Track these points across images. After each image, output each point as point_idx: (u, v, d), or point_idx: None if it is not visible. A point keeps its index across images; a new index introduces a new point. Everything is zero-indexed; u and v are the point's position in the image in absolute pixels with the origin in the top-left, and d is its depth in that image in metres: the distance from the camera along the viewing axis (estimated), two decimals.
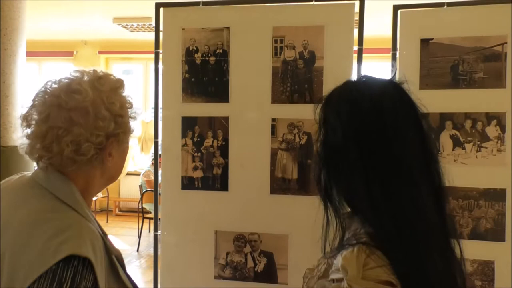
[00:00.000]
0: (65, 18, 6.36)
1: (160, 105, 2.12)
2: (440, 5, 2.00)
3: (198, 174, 2.08)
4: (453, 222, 0.81)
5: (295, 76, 1.99)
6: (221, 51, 2.05)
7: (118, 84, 1.01)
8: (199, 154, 2.07)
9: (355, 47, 1.96)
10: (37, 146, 0.92)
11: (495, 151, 1.92)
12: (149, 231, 6.53)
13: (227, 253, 2.06)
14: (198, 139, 2.07)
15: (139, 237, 5.92)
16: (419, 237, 0.74)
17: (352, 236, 0.79)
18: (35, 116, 0.94)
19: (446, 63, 1.98)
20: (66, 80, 0.96)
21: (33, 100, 0.95)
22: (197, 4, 2.07)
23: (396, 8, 2.02)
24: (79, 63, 7.78)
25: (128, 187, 7.54)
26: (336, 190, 0.86)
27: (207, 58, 2.06)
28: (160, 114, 2.15)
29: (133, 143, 7.76)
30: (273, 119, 2.01)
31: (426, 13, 2.03)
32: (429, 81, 1.98)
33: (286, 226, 2.01)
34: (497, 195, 1.91)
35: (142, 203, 5.89)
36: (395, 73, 1.99)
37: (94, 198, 6.85)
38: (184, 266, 2.09)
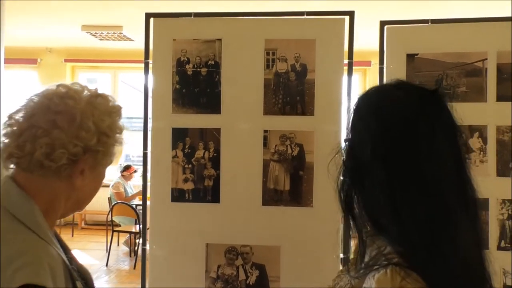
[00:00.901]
0: (29, 24, 6.17)
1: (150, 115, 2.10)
2: (425, 22, 2.10)
3: (189, 186, 2.06)
4: (485, 236, 0.76)
5: (287, 88, 2.02)
6: (213, 62, 2.06)
7: (114, 109, 0.96)
8: (190, 165, 2.06)
9: (346, 61, 2.02)
10: (11, 144, 0.86)
11: (478, 162, 2.02)
12: (118, 245, 6.35)
13: (219, 266, 2.05)
14: (189, 151, 2.06)
15: (108, 251, 5.75)
16: (455, 260, 0.72)
17: (379, 255, 0.74)
18: (20, 115, 0.88)
19: (431, 78, 2.07)
20: (65, 89, 0.92)
21: (25, 100, 0.91)
22: (188, 15, 2.08)
23: (382, 24, 2.11)
24: (43, 71, 7.54)
25: (95, 199, 7.27)
26: (359, 204, 0.82)
27: (198, 69, 2.06)
28: (149, 125, 2.12)
29: None
30: (265, 131, 2.03)
31: (411, 29, 2.13)
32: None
33: (278, 237, 2.03)
34: (481, 205, 1.99)
35: (111, 216, 5.74)
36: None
37: None
38: (173, 281, 2.06)
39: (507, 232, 1.99)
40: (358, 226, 0.81)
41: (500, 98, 2.02)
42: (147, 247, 2.13)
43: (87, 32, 6.32)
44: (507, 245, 1.98)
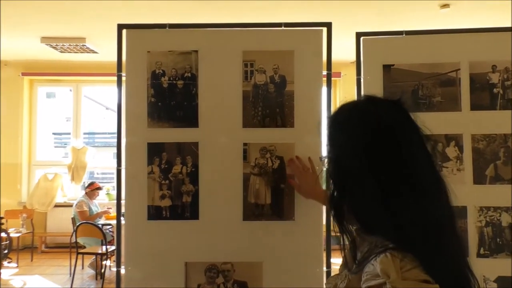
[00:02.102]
0: None
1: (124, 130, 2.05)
2: (399, 33, 2.17)
3: (166, 203, 2.02)
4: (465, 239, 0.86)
5: (266, 100, 2.03)
6: (189, 74, 2.05)
7: None
8: (167, 181, 2.03)
9: (324, 72, 2.05)
10: None
11: (455, 170, 2.09)
12: (83, 268, 6.13)
13: (199, 285, 2.01)
14: (166, 166, 2.03)
15: (72, 275, 5.54)
16: (444, 247, 0.81)
17: (372, 247, 0.81)
18: None
19: (407, 88, 2.14)
20: None
21: None
22: (163, 26, 2.06)
23: (358, 35, 2.16)
24: None
25: (56, 220, 7.06)
26: (348, 208, 0.88)
27: (174, 81, 2.04)
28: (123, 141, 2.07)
29: (62, 171, 7.32)
30: (245, 144, 2.03)
31: (386, 40, 2.20)
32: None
33: (260, 253, 2.02)
34: (459, 213, 2.06)
35: (75, 237, 5.54)
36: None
37: (16, 235, 6.32)
38: None
39: (486, 239, 2.05)
40: (348, 229, 0.86)
41: (474, 107, 2.10)
42: (122, 269, 2.07)
43: (47, 44, 6.16)
44: (486, 252, 2.04)
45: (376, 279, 0.75)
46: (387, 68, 2.14)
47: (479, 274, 2.01)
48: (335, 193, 0.92)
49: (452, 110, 2.12)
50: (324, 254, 2.07)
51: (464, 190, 2.08)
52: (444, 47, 2.15)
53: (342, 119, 0.92)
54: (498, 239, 2.04)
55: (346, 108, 0.95)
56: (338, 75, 6.62)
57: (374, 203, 0.81)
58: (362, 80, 2.15)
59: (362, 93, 2.15)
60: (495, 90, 2.10)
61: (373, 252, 0.78)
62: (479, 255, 2.05)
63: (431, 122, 2.06)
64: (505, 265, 2.02)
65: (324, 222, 2.08)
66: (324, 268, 2.04)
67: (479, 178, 2.08)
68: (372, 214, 0.82)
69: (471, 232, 2.05)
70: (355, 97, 2.15)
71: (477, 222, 2.06)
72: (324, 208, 2.08)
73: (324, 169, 0.96)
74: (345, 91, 6.61)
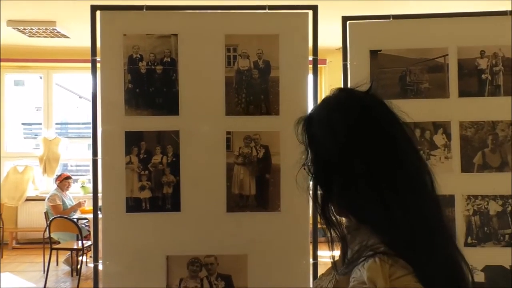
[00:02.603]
0: None
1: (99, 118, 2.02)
2: (386, 17, 2.17)
3: (146, 194, 2.00)
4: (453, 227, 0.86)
5: (250, 87, 2.02)
6: (169, 59, 2.01)
7: None
8: (147, 172, 2.00)
9: (310, 57, 2.05)
10: None
11: (443, 158, 2.12)
12: (57, 264, 6.05)
13: (181, 280, 2.00)
14: (145, 156, 2.00)
15: (46, 272, 5.46)
16: (436, 241, 0.79)
17: (363, 247, 0.79)
18: None
19: (395, 74, 2.15)
20: None
21: None
22: (140, 8, 2.02)
23: (344, 19, 2.16)
24: None
25: (28, 215, 6.93)
26: (338, 205, 0.87)
27: (153, 67, 2.01)
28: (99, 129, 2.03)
29: (34, 163, 7.18)
30: (228, 132, 2.01)
31: (373, 25, 2.20)
32: (379, 92, 2.11)
33: (245, 245, 2.01)
34: (447, 201, 2.10)
35: (49, 233, 5.45)
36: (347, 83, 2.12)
37: None
38: None
39: (473, 228, 2.09)
40: (338, 226, 0.85)
41: (462, 93, 2.13)
42: (99, 263, 2.04)
43: (14, 28, 5.98)
44: (473, 241, 2.08)
45: (362, 287, 0.73)
46: (374, 53, 2.15)
47: (467, 264, 2.05)
48: (322, 191, 0.91)
49: (440, 97, 2.14)
50: (311, 246, 2.08)
51: (452, 178, 2.11)
52: (432, 31, 2.16)
53: (322, 116, 0.91)
54: (485, 228, 2.09)
55: (324, 105, 0.93)
56: (324, 62, 6.62)
57: (367, 197, 0.80)
58: (348, 66, 2.15)
59: (349, 79, 2.15)
60: (483, 76, 2.13)
61: (363, 254, 0.76)
62: (466, 244, 2.09)
63: (419, 109, 2.12)
64: (493, 254, 2.07)
65: (310, 213, 2.08)
66: (311, 260, 2.05)
67: (467, 166, 2.11)
68: (366, 208, 0.81)
69: (458, 221, 2.09)
70: (341, 85, 2.16)
71: (465, 211, 2.10)
72: (310, 198, 2.08)
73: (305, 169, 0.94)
74: (330, 79, 6.62)
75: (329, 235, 0.87)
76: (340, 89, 0.96)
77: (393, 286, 0.70)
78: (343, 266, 0.84)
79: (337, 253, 0.92)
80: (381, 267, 0.71)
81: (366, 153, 0.82)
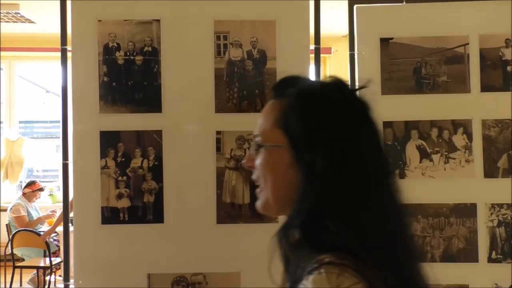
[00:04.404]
0: None
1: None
2: (399, 1, 2.20)
3: (124, 203, 2.01)
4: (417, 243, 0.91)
5: (243, 80, 2.03)
6: (150, 49, 2.02)
7: None
8: (125, 178, 2.01)
9: (312, 46, 2.06)
10: None
11: (463, 162, 2.14)
12: (21, 285, 6.03)
13: None
14: (123, 159, 2.01)
15: None
16: (396, 252, 0.83)
17: (306, 264, 0.79)
18: None
19: (408, 65, 2.17)
20: None
21: None
22: None
23: (351, 3, 2.18)
24: None
25: None
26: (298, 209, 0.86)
27: (132, 57, 2.02)
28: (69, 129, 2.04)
29: None
30: (218, 132, 2.02)
31: (384, 9, 2.22)
32: (392, 86, 2.15)
33: (238, 262, 2.02)
34: (468, 211, 2.12)
35: (11, 248, 5.44)
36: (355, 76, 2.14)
37: None
38: None
39: (498, 241, 2.11)
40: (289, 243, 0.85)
41: (484, 88, 2.15)
42: (71, 283, 2.05)
43: None
44: (498, 256, 2.10)
45: None
46: (384, 42, 2.17)
47: (491, 281, 2.07)
48: None
49: (459, 92, 2.16)
50: None
51: (473, 184, 2.13)
52: (451, 17, 2.18)
53: (291, 108, 0.88)
54: None
55: (291, 98, 0.90)
56: (328, 51, 6.65)
57: (327, 192, 0.81)
58: (356, 56, 2.17)
59: (356, 71, 2.17)
60: (508, 68, 2.15)
61: (306, 269, 0.77)
62: (490, 260, 2.11)
63: (436, 106, 2.14)
64: None
65: None
66: None
67: (490, 171, 2.13)
68: (321, 204, 0.81)
69: (481, 233, 2.11)
70: (348, 77, 2.18)
71: (488, 222, 2.12)
72: None
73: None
74: (336, 70, 6.64)
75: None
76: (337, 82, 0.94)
77: None
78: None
79: None
80: (327, 278, 0.73)
81: (331, 151, 0.82)
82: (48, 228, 5.75)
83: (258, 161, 0.87)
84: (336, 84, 0.90)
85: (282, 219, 2.01)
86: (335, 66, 6.79)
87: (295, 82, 0.90)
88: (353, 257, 0.75)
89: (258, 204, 0.90)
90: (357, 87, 0.91)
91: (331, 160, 0.79)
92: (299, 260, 0.80)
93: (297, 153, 0.82)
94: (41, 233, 5.44)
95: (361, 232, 0.79)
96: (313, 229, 0.80)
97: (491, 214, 2.12)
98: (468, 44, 2.16)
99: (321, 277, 0.73)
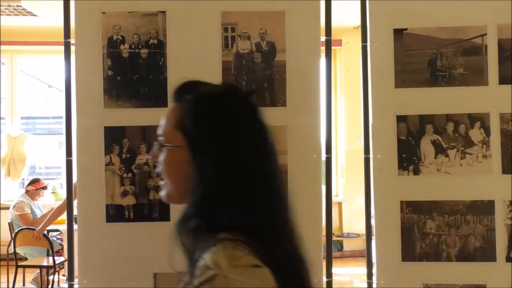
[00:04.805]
0: None
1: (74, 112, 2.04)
2: None
3: (129, 201, 2.02)
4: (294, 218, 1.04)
5: (251, 73, 2.03)
6: (155, 41, 2.03)
7: None
8: (130, 175, 2.02)
9: (323, 38, 2.06)
10: None
11: (480, 157, 2.13)
12: (24, 285, 6.09)
13: None
14: (128, 156, 2.02)
15: None
16: (277, 229, 0.97)
17: (205, 244, 0.91)
18: None
19: (423, 57, 2.16)
20: None
21: None
22: None
23: None
24: None
25: None
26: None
27: (137, 50, 2.02)
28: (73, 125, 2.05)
29: None
30: None
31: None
32: (406, 78, 2.14)
33: None
34: (485, 208, 2.11)
35: (14, 247, 5.48)
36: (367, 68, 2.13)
37: None
38: None
39: None
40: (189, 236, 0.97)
41: (503, 80, 2.13)
42: (75, 283, 2.06)
43: None
44: None
45: (207, 272, 0.85)
46: (398, 33, 2.15)
47: (509, 281, 2.06)
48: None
49: (476, 84, 2.14)
50: (324, 262, 2.09)
51: (491, 181, 2.12)
52: (468, 7, 2.16)
53: (184, 108, 1.00)
54: None
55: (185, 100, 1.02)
56: (339, 43, 6.63)
57: (215, 192, 0.93)
58: (368, 48, 2.16)
59: (369, 63, 2.16)
60: None
61: (205, 248, 0.88)
62: (508, 259, 2.10)
63: (452, 99, 2.13)
64: None
65: (323, 223, 2.09)
66: (324, 278, 2.06)
67: (508, 167, 2.11)
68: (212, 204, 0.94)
69: (499, 231, 2.10)
70: (360, 69, 2.17)
71: (507, 220, 2.10)
72: (324, 207, 2.09)
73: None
74: (347, 63, 6.62)
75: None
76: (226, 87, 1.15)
77: (237, 265, 0.85)
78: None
79: None
80: (224, 250, 0.86)
81: (218, 146, 0.95)
82: (49, 225, 5.79)
83: (160, 158, 0.99)
84: (229, 89, 1.05)
85: None
86: (346, 59, 6.76)
87: (194, 87, 1.03)
88: (245, 235, 0.89)
89: (162, 194, 1.02)
90: (248, 92, 1.06)
91: (221, 158, 0.93)
92: (198, 242, 0.92)
93: (193, 152, 0.94)
94: (44, 231, 5.46)
95: (249, 215, 0.93)
96: (208, 215, 0.93)
97: (510, 211, 2.10)
98: (485, 34, 2.14)
99: (217, 250, 0.86)
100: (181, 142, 0.95)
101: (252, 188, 0.94)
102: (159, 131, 1.01)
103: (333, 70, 6.84)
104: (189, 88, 1.03)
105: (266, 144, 0.99)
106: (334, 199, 6.34)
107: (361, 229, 2.08)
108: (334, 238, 6.03)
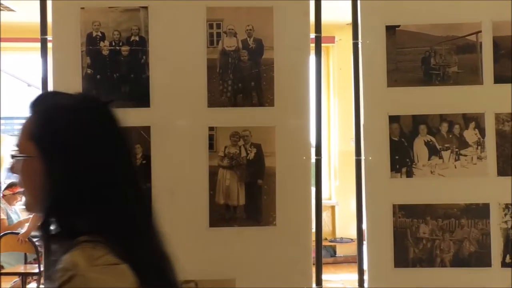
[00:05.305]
0: None
1: None
2: None
3: None
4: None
5: (238, 72, 2.02)
6: (137, 38, 2.02)
7: None
8: None
9: (312, 35, 2.06)
10: None
11: (475, 159, 2.14)
12: None
13: None
14: None
15: None
16: (134, 231, 1.03)
17: (66, 247, 0.96)
18: None
19: (416, 55, 2.17)
20: None
21: None
22: None
23: None
24: None
25: None
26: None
27: (117, 47, 2.01)
28: None
29: None
30: (211, 128, 2.02)
31: None
32: (398, 77, 2.15)
33: (232, 268, 2.02)
34: (480, 212, 2.12)
35: None
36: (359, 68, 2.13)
37: None
38: None
39: None
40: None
41: (498, 79, 2.15)
42: None
43: None
44: None
45: (66, 274, 0.89)
46: (391, 30, 2.16)
47: (505, 286, 2.07)
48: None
49: (471, 83, 2.16)
50: (314, 268, 2.09)
51: (486, 183, 2.13)
52: (462, 3, 2.18)
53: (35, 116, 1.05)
54: None
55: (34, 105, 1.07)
56: (332, 40, 6.64)
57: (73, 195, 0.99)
58: (359, 46, 2.16)
59: (360, 61, 2.17)
60: None
61: (66, 251, 0.93)
62: (504, 264, 2.11)
63: (446, 98, 2.14)
64: None
65: (313, 227, 2.09)
66: (314, 285, 2.06)
67: (504, 169, 2.13)
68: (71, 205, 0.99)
69: (494, 235, 2.11)
70: (351, 67, 2.18)
71: (502, 223, 2.12)
72: (313, 210, 2.10)
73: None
74: (340, 61, 6.62)
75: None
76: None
77: (96, 263, 0.90)
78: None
79: None
80: (82, 251, 0.91)
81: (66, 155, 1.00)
82: (34, 228, 5.74)
83: (17, 169, 1.04)
84: (82, 100, 1.08)
85: (279, 222, 2.02)
86: (339, 57, 6.78)
87: (48, 98, 1.12)
88: (104, 237, 0.94)
89: (23, 204, 1.08)
90: (105, 101, 1.07)
91: (69, 167, 0.98)
92: (60, 247, 0.96)
93: (44, 162, 0.99)
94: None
95: (105, 218, 0.98)
96: (64, 221, 0.98)
97: (505, 215, 2.12)
98: (480, 31, 2.16)
99: (75, 252, 0.91)
100: (33, 152, 1.00)
101: (106, 192, 1.00)
102: (16, 142, 1.06)
103: (325, 68, 6.87)
104: (44, 99, 1.11)
105: (119, 150, 1.05)
106: (327, 202, 6.36)
107: (355, 233, 2.10)
108: (327, 243, 6.05)
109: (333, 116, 6.91)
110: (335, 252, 6.80)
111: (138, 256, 0.97)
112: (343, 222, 6.77)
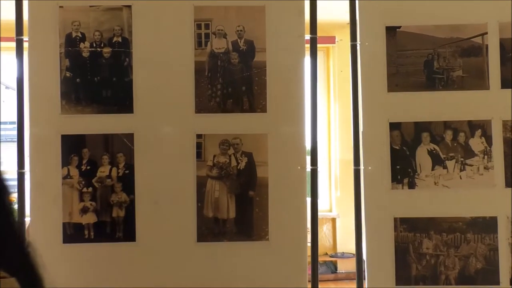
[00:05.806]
0: None
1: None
2: None
3: (89, 218, 2.00)
4: None
5: (228, 75, 2.03)
6: (119, 39, 2.02)
7: None
8: (90, 189, 2.01)
9: (308, 36, 2.06)
10: None
11: (481, 169, 2.14)
12: None
13: None
14: (88, 168, 2.01)
15: None
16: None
17: None
18: None
19: (418, 58, 2.17)
20: None
21: None
22: None
23: None
24: None
25: None
26: None
27: (99, 49, 2.02)
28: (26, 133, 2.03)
29: None
30: (199, 136, 2.02)
31: None
32: (400, 81, 2.15)
33: (221, 285, 2.02)
34: (487, 225, 2.12)
35: None
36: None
37: None
38: None
39: None
40: None
41: (505, 84, 2.15)
42: None
43: None
44: None
45: None
46: (391, 31, 2.17)
47: None
48: None
49: (477, 88, 2.16)
50: (309, 286, 2.09)
51: (493, 195, 2.13)
52: (467, 3, 2.19)
53: None
54: None
55: None
56: (332, 40, 6.62)
57: None
58: (358, 47, 2.17)
59: (359, 64, 2.17)
60: None
61: None
62: None
63: (450, 104, 2.15)
64: None
65: (308, 243, 2.09)
66: None
67: None
68: None
69: (502, 251, 2.11)
70: (350, 69, 2.18)
71: (511, 238, 2.12)
72: (308, 225, 2.10)
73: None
74: (341, 63, 6.58)
75: None
76: None
77: None
78: None
79: None
80: None
81: None
82: None
83: None
84: None
85: (272, 236, 2.02)
86: (340, 58, 6.77)
87: None
88: None
89: None
90: None
91: None
92: None
93: None
94: None
95: None
96: None
97: None
98: (486, 33, 2.17)
99: None
100: None
101: None
102: None
103: (325, 71, 6.86)
104: None
105: None
106: (328, 214, 6.34)
107: None
108: (327, 258, 6.01)
109: (333, 123, 6.90)
110: (336, 268, 6.76)
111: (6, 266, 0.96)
112: (344, 235, 6.73)
